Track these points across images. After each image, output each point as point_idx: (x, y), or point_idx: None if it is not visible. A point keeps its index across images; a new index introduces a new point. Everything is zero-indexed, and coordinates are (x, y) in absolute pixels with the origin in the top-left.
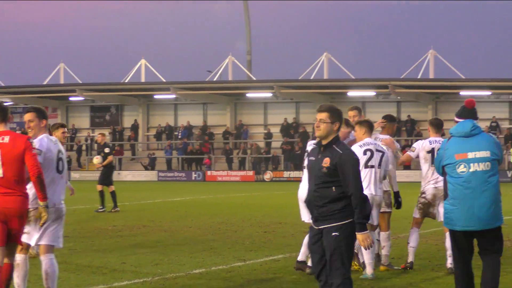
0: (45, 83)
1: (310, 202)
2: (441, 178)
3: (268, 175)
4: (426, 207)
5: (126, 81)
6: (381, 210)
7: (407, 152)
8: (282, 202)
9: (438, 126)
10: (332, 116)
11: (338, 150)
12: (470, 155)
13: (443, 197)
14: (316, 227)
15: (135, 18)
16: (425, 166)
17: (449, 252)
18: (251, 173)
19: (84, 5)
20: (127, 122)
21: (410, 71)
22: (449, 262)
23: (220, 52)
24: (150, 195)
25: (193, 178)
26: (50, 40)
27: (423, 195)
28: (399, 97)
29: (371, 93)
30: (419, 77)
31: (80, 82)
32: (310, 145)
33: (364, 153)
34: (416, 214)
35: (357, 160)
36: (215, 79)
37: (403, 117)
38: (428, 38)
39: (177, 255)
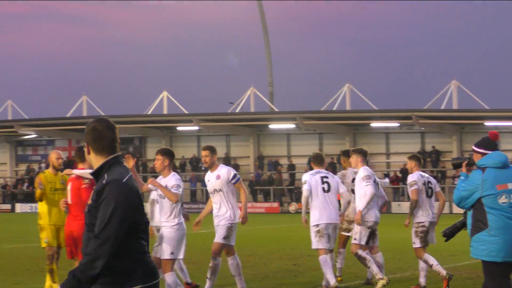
0: (68, 115)
1: None
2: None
3: (293, 207)
4: (425, 235)
5: (149, 113)
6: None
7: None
8: (309, 234)
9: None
10: None
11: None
12: (510, 185)
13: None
14: None
15: (156, 50)
16: (421, 197)
17: (422, 273)
18: (276, 204)
19: (106, 39)
20: (151, 153)
21: (433, 101)
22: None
23: (242, 84)
24: None
25: None
26: (73, 73)
27: (422, 224)
28: (423, 128)
29: (394, 124)
30: (442, 107)
31: (103, 114)
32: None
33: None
34: (418, 244)
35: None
36: (237, 111)
37: (428, 148)
38: (451, 69)
39: None
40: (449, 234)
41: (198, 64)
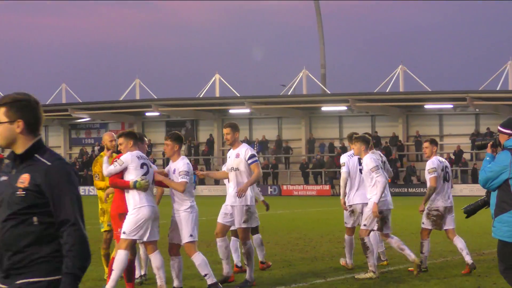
0: (121, 99)
1: None
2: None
3: None
4: (439, 219)
5: (201, 96)
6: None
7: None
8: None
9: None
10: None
11: (44, 161)
12: None
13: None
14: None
15: (208, 33)
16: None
17: (464, 252)
18: (327, 187)
19: (158, 22)
20: (202, 136)
21: (488, 82)
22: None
23: (294, 66)
24: None
25: (269, 193)
26: (126, 57)
27: (437, 208)
28: (477, 110)
29: (448, 105)
30: (498, 88)
31: (156, 97)
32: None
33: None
34: (429, 226)
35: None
36: (289, 93)
37: (482, 129)
38: (507, 49)
39: (256, 272)
40: (470, 211)
41: (250, 46)
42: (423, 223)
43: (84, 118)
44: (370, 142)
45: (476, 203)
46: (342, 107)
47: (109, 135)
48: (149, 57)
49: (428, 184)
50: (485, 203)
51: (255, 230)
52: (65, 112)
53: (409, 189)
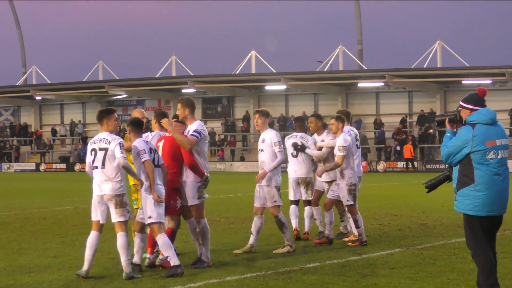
0: (157, 75)
1: None
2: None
3: (381, 166)
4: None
5: (237, 72)
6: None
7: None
8: (397, 194)
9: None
10: None
11: None
12: (498, 142)
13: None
14: None
15: (244, 10)
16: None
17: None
18: (364, 163)
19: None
20: (239, 113)
21: None
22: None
23: (330, 42)
24: None
25: None
26: (163, 34)
27: (355, 183)
28: None
29: (487, 81)
30: None
31: (192, 74)
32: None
33: None
34: (354, 201)
35: None
36: (325, 69)
37: None
38: None
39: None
40: (431, 186)
41: (287, 23)
42: (348, 200)
43: (121, 95)
44: (345, 121)
45: (437, 177)
46: (379, 83)
47: (139, 112)
48: (186, 34)
49: (336, 160)
50: (446, 177)
51: (307, 202)
52: (102, 89)
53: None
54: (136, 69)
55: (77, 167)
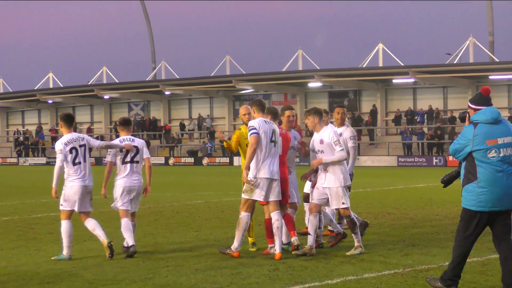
0: (284, 69)
1: None
2: None
3: None
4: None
5: (364, 65)
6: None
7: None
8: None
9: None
10: None
11: None
12: (500, 140)
13: None
14: None
15: (372, 2)
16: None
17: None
18: None
19: None
20: (365, 107)
21: None
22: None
23: (460, 34)
24: (391, 181)
25: (434, 164)
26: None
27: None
28: None
29: None
30: None
31: (318, 68)
32: None
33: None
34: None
35: None
36: (455, 62)
37: None
38: None
39: (426, 245)
40: (446, 181)
41: (415, 15)
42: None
43: (248, 89)
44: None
45: (451, 173)
46: (511, 76)
47: (244, 109)
48: (312, 28)
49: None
50: (458, 173)
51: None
52: (229, 83)
53: None
54: (263, 63)
55: (205, 161)
